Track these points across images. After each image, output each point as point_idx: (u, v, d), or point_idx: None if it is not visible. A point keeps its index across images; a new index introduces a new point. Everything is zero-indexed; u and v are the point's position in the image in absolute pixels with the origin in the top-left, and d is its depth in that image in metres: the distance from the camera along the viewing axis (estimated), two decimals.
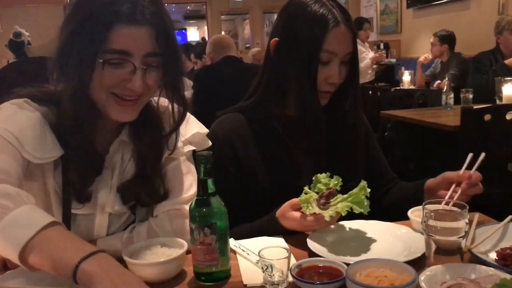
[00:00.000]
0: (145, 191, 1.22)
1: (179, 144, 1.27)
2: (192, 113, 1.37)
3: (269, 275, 0.98)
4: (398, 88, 5.00)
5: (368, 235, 1.24)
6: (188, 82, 3.85)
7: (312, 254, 1.13)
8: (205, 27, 14.49)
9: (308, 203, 1.19)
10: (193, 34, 16.59)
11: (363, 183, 1.18)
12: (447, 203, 1.06)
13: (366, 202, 1.15)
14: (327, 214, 1.14)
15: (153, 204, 1.25)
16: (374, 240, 1.21)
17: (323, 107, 1.39)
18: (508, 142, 2.85)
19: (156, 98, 1.25)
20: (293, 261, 1.06)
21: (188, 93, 3.61)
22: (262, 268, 0.99)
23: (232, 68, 3.50)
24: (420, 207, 1.25)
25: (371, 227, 1.27)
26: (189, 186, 1.26)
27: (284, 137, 1.44)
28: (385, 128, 3.89)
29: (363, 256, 1.12)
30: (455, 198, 1.19)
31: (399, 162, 3.65)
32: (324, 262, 1.04)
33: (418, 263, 1.04)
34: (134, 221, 1.25)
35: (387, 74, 6.46)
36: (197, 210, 1.03)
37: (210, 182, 1.03)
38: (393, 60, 7.16)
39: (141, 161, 1.23)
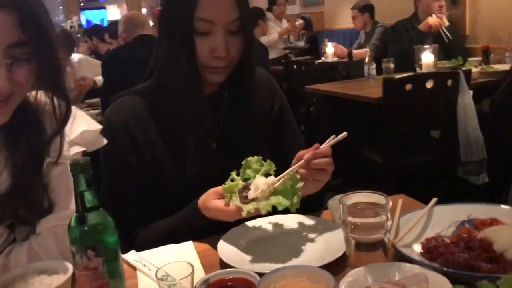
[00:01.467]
0: (24, 206, 1.03)
1: (64, 147, 1.08)
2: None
3: None
4: (321, 61, 4.93)
5: (287, 233, 1.12)
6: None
7: (224, 262, 0.99)
8: (125, 5, 13.80)
9: (231, 192, 1.05)
10: (114, 12, 15.72)
11: (296, 175, 1.04)
12: None
13: (296, 199, 1.00)
14: (245, 209, 1.00)
15: (36, 220, 1.05)
16: (292, 239, 1.09)
17: (222, 84, 1.25)
18: (429, 110, 2.85)
19: (34, 93, 1.05)
20: (201, 274, 0.92)
21: (99, 79, 3.32)
22: None
23: (146, 49, 3.21)
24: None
25: (289, 223, 1.15)
26: None
27: (172, 122, 1.26)
28: (311, 103, 3.81)
29: (279, 261, 0.99)
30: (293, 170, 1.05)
31: (326, 137, 3.59)
32: (234, 273, 0.90)
33: (341, 262, 0.95)
34: (15, 240, 1.05)
35: (310, 47, 6.34)
36: (77, 230, 0.84)
37: (89, 194, 0.85)
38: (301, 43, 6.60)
39: (16, 171, 1.02)
